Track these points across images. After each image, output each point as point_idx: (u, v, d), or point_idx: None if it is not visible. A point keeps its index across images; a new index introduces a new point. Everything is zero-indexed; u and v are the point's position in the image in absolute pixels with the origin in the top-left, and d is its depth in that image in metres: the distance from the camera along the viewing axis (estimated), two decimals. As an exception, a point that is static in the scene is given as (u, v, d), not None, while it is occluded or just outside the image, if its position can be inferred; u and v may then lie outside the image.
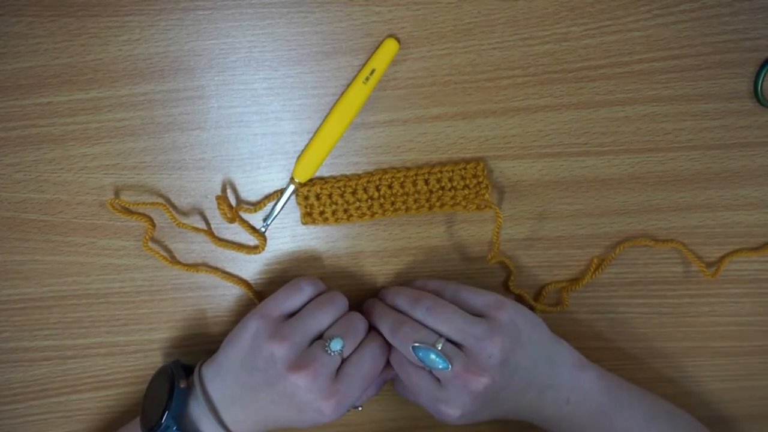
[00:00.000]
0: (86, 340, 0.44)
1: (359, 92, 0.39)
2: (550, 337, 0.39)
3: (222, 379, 0.38)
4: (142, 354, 0.44)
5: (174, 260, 0.42)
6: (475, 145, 0.41)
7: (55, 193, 0.41)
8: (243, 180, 0.41)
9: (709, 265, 0.44)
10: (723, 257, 0.44)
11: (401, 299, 0.39)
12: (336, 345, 0.36)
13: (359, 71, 0.39)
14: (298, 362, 0.36)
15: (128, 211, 0.41)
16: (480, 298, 0.38)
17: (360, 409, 0.43)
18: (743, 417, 0.48)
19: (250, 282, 0.43)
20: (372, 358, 0.38)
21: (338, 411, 0.36)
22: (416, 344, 0.36)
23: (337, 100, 0.40)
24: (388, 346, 0.39)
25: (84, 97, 0.39)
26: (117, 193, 0.41)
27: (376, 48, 0.39)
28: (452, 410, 0.36)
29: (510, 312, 0.36)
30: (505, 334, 0.36)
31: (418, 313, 0.37)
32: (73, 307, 0.43)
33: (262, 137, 0.41)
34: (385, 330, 0.38)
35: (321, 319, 0.38)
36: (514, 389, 0.37)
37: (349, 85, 0.39)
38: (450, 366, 0.35)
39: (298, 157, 0.41)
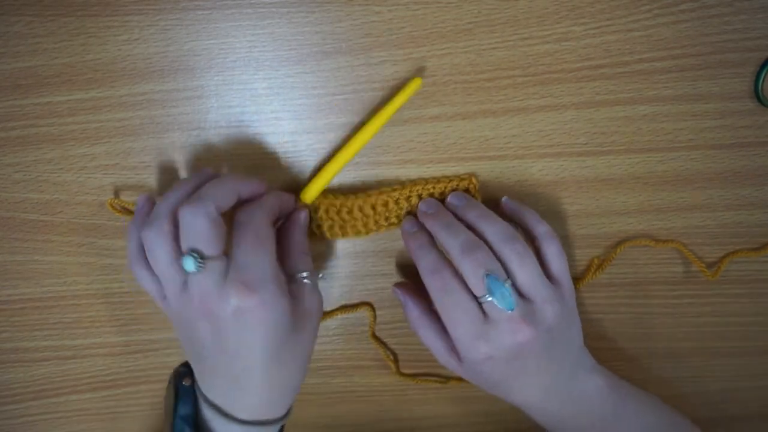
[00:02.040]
0: (86, 340, 0.44)
1: (377, 126, 0.39)
2: (580, 335, 0.40)
3: (198, 367, 0.36)
4: (142, 354, 0.44)
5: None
6: (475, 145, 0.41)
7: (54, 193, 0.41)
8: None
9: (709, 265, 0.44)
10: (723, 257, 0.44)
11: (491, 226, 0.36)
12: (189, 265, 0.31)
13: (382, 108, 0.39)
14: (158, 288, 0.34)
15: (128, 211, 0.41)
16: (559, 264, 0.38)
17: (321, 276, 0.42)
18: (743, 417, 0.48)
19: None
20: (250, 223, 0.33)
21: (260, 293, 0.31)
22: (490, 274, 0.34)
23: (354, 134, 0.39)
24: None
25: (83, 97, 0.39)
26: (117, 193, 0.41)
27: (403, 87, 0.39)
28: (488, 348, 0.35)
29: (572, 291, 0.39)
30: (563, 306, 0.37)
31: (506, 250, 0.35)
32: (73, 307, 0.43)
33: (261, 137, 0.41)
34: (451, 243, 0.36)
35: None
36: (539, 363, 0.36)
37: (369, 121, 0.39)
38: (514, 308, 0.34)
39: (311, 182, 0.40)
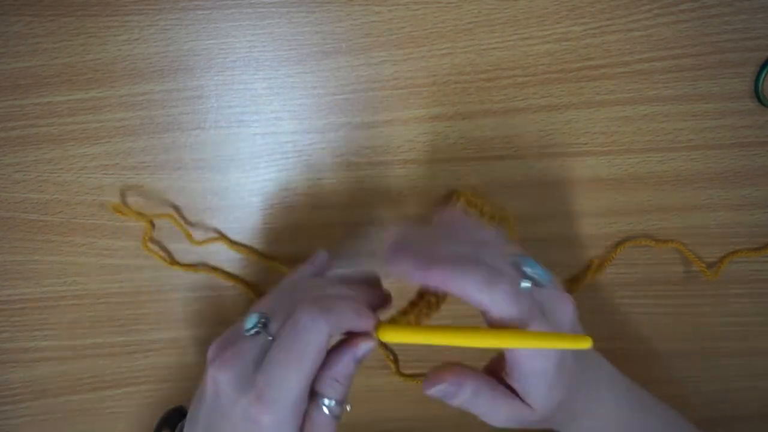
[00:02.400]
0: (86, 340, 0.44)
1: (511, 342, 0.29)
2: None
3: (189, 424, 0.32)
4: (142, 354, 0.44)
5: (173, 260, 0.42)
6: (475, 145, 0.41)
7: (54, 193, 0.41)
8: (243, 180, 0.41)
9: (709, 265, 0.44)
10: (723, 257, 0.44)
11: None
12: (250, 322, 0.29)
13: (535, 335, 0.29)
14: (215, 352, 0.29)
15: (137, 214, 0.41)
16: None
17: (349, 409, 0.34)
18: (743, 417, 0.48)
19: (250, 282, 0.43)
20: (300, 330, 0.28)
21: (270, 414, 0.27)
22: (514, 257, 0.30)
23: (484, 332, 0.29)
24: (328, 314, 0.29)
25: (83, 97, 0.39)
26: (123, 195, 0.41)
27: (572, 339, 0.31)
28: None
29: None
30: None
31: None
32: (73, 307, 0.43)
33: (261, 137, 0.41)
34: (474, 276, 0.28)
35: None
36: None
37: (511, 332, 0.28)
38: (551, 276, 0.30)
39: (401, 328, 0.31)
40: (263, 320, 0.29)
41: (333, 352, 0.31)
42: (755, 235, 0.44)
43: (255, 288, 0.43)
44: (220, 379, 0.28)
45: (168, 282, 0.43)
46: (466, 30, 0.39)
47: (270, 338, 0.29)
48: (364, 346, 0.31)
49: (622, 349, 0.46)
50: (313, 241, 0.43)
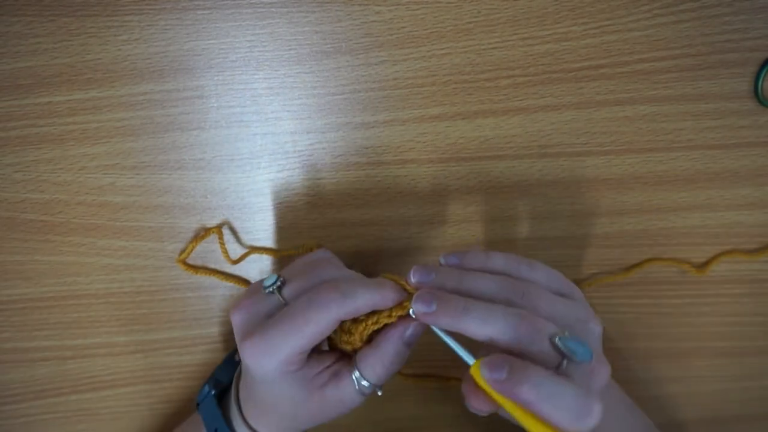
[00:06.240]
0: (86, 340, 0.44)
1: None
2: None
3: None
4: (142, 354, 0.44)
5: (178, 260, 0.42)
6: (475, 145, 0.41)
7: (54, 193, 0.41)
8: (243, 180, 0.41)
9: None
10: (714, 257, 0.44)
11: (487, 281, 0.31)
12: (268, 281, 0.32)
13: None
14: (238, 299, 0.33)
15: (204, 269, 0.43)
16: (560, 282, 0.33)
17: (379, 393, 0.34)
18: (743, 417, 0.48)
19: (250, 282, 0.43)
20: (308, 302, 0.30)
21: (259, 361, 0.30)
22: (555, 337, 0.28)
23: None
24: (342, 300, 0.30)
25: (83, 97, 0.39)
26: (186, 254, 0.41)
27: None
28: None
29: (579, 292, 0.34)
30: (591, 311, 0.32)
31: (519, 293, 0.30)
32: (73, 307, 0.43)
33: (261, 137, 0.41)
34: (499, 325, 0.28)
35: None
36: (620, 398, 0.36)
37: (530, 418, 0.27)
38: (592, 356, 0.28)
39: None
40: (279, 282, 0.32)
41: (381, 335, 0.32)
42: (755, 235, 0.44)
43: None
44: (234, 321, 0.32)
45: (168, 282, 0.43)
46: (466, 30, 0.39)
47: (282, 300, 0.32)
48: (405, 329, 0.32)
49: (622, 348, 0.46)
50: (313, 241, 0.43)
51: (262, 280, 0.34)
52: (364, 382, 0.32)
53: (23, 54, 0.38)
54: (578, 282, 0.44)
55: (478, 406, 0.29)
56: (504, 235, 0.43)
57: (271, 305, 0.32)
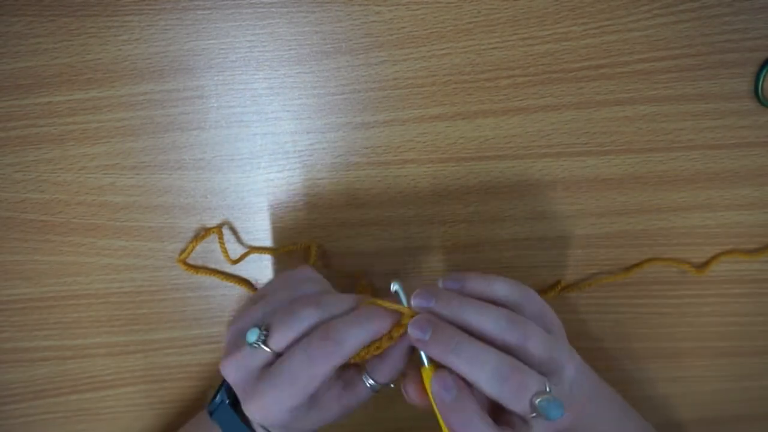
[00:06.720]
0: (86, 340, 0.44)
1: None
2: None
3: None
4: (142, 354, 0.44)
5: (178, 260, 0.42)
6: (475, 145, 0.41)
7: (54, 193, 0.41)
8: (243, 180, 0.41)
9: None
10: (714, 257, 0.44)
11: (483, 316, 0.31)
12: (251, 336, 0.31)
13: None
14: (225, 350, 0.32)
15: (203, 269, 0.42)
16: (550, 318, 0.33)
17: (392, 386, 0.35)
18: (743, 417, 0.48)
19: (250, 282, 0.43)
20: (306, 359, 0.30)
21: (268, 416, 0.31)
22: (537, 397, 0.29)
23: None
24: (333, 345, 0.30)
25: (83, 97, 0.39)
26: (186, 254, 0.41)
27: None
28: None
29: (561, 327, 0.35)
30: (573, 354, 0.34)
31: (511, 337, 0.30)
32: (73, 307, 0.43)
33: (261, 137, 0.41)
34: (485, 373, 0.29)
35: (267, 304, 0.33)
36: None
37: None
38: (564, 412, 0.28)
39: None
40: (263, 336, 0.31)
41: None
42: (755, 234, 0.44)
43: (254, 288, 0.43)
44: (228, 378, 0.32)
45: (168, 282, 0.43)
46: (466, 30, 0.39)
47: (270, 352, 0.31)
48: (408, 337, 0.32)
49: (622, 348, 0.46)
50: (312, 241, 0.43)
51: (240, 328, 0.32)
52: (369, 379, 0.34)
53: (23, 54, 0.38)
54: (578, 282, 0.44)
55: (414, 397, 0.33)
56: (505, 235, 0.43)
57: (262, 358, 0.31)
